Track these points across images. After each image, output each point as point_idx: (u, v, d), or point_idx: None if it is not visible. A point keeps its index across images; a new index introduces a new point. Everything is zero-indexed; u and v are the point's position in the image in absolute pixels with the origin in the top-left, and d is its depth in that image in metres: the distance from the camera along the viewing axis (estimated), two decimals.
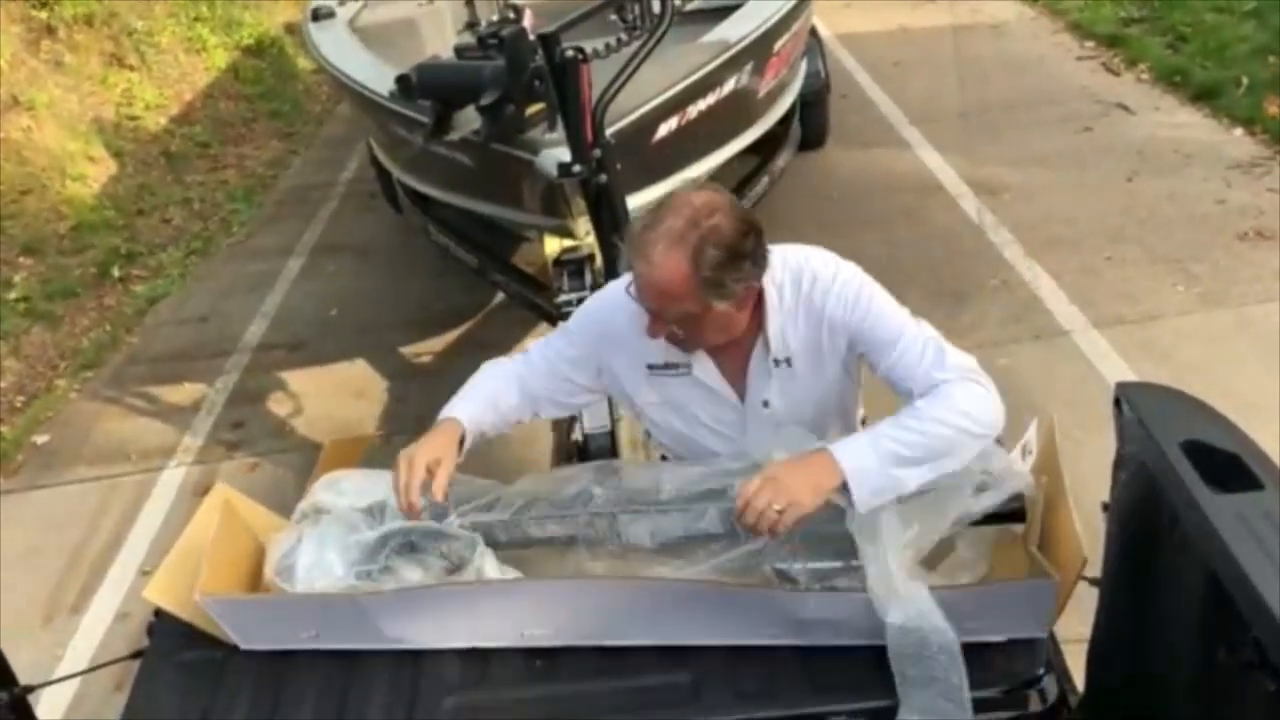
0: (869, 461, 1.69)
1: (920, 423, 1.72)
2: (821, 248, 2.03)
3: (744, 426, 2.03)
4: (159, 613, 1.87)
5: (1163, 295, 4.97)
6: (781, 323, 1.94)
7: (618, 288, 2.01)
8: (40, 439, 5.37)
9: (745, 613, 1.65)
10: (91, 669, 3.06)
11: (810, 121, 6.69)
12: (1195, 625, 1.27)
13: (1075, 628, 1.65)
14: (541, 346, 2.14)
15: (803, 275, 1.93)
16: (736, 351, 1.99)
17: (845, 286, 1.91)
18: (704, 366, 2.01)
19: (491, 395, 2.07)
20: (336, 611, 1.75)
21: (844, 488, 1.67)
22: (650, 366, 2.03)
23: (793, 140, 6.11)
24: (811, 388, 2.00)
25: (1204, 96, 7.04)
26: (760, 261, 1.85)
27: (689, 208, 1.79)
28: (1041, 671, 1.55)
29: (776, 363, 1.97)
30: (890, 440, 1.70)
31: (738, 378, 2.02)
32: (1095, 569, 1.56)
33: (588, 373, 2.09)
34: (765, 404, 2.00)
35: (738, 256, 1.79)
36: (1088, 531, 1.55)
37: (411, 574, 1.78)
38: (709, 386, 2.02)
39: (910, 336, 1.85)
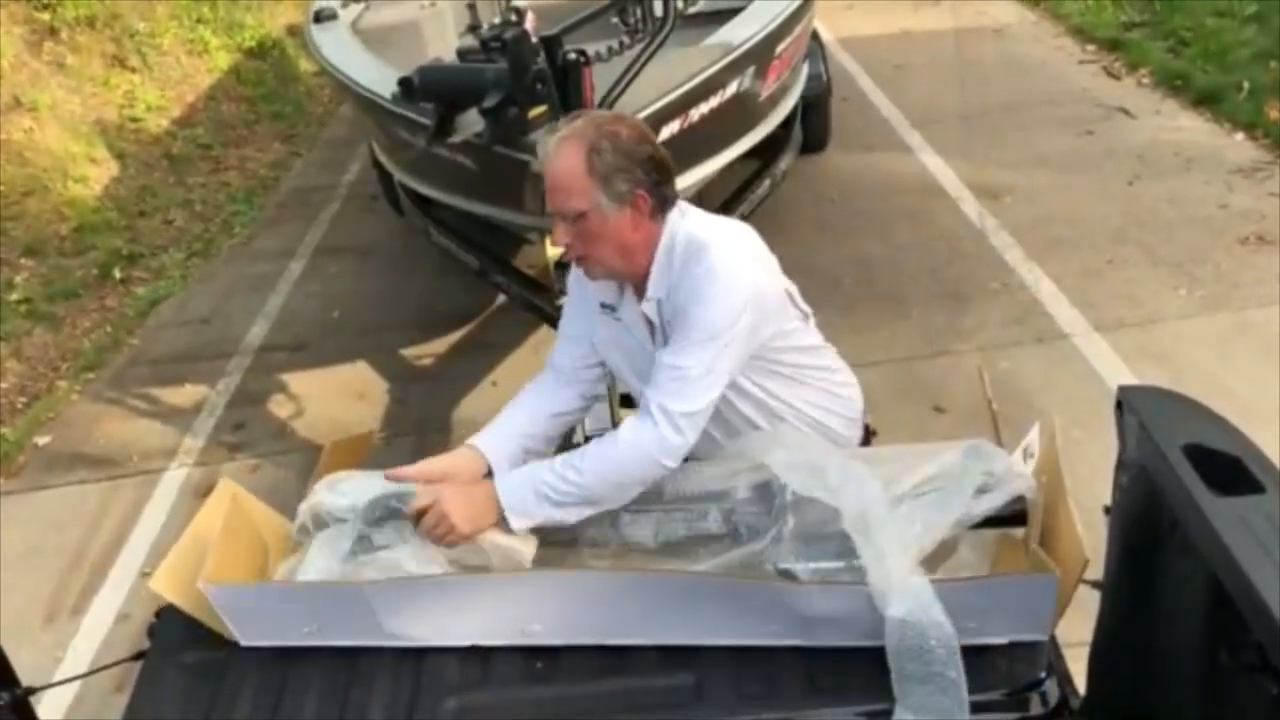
0: (527, 503, 1.86)
1: (580, 475, 1.85)
2: (750, 234, 2.11)
3: None
4: (160, 614, 1.88)
5: (1164, 298, 4.97)
6: (658, 277, 2.00)
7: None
8: (41, 440, 5.37)
9: (746, 608, 1.65)
10: (93, 671, 3.06)
11: (812, 125, 6.69)
12: (1197, 628, 1.27)
13: (1077, 631, 1.65)
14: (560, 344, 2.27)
15: (692, 243, 1.96)
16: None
17: (707, 260, 1.92)
18: (627, 306, 2.10)
19: (512, 410, 2.18)
20: (337, 602, 1.76)
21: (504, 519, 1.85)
22: (601, 305, 2.15)
23: (794, 143, 6.12)
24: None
25: (1205, 101, 7.05)
26: (654, 178, 1.94)
27: (596, 115, 2.00)
28: (1043, 674, 1.56)
29: (650, 321, 2.04)
30: (548, 486, 1.85)
31: (643, 325, 2.09)
32: (1096, 572, 1.56)
33: (584, 321, 2.20)
34: None
35: (630, 160, 1.90)
36: (1088, 534, 1.56)
37: (390, 537, 1.84)
38: (627, 327, 2.11)
39: (688, 354, 1.90)
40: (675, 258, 1.97)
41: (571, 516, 1.87)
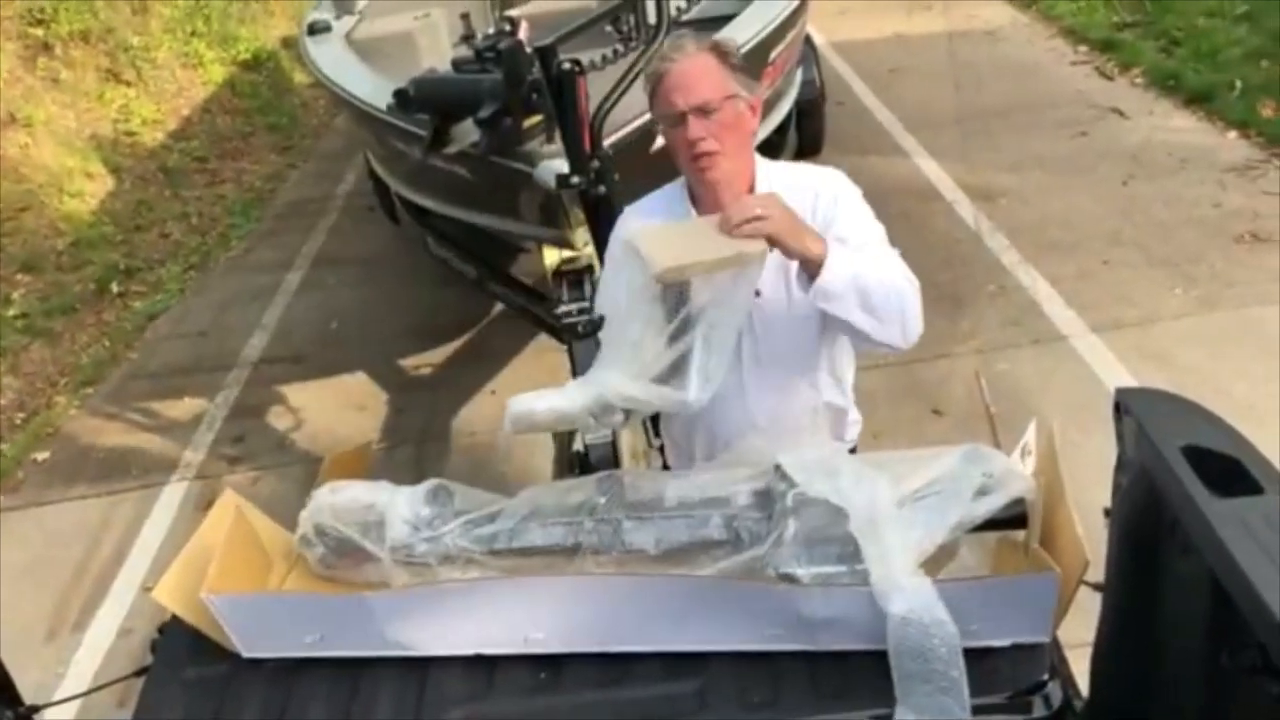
0: (846, 269, 1.93)
1: (884, 282, 2.00)
2: None
3: None
4: (163, 629, 1.88)
5: (1160, 298, 4.98)
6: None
7: (619, 229, 2.30)
8: (40, 456, 5.38)
9: (749, 612, 1.65)
10: (96, 688, 3.05)
11: (806, 129, 6.70)
12: (1198, 629, 1.28)
13: (1078, 632, 1.65)
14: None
15: (798, 174, 2.22)
16: None
17: (833, 182, 2.21)
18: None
19: None
20: (341, 612, 1.75)
21: (813, 270, 1.91)
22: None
23: (789, 148, 6.13)
24: (800, 289, 2.08)
25: (1198, 100, 7.08)
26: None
27: (707, 37, 2.18)
28: (1046, 677, 1.55)
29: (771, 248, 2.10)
30: (867, 270, 1.97)
31: None
32: (1096, 573, 1.57)
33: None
34: (757, 292, 2.06)
35: (743, 59, 2.15)
36: (1088, 535, 1.56)
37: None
38: None
39: (881, 239, 2.15)
40: (775, 178, 2.16)
41: (853, 306, 1.97)
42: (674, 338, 1.88)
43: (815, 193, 2.15)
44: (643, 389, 1.85)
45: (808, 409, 2.32)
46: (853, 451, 2.45)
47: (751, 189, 2.16)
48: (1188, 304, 4.91)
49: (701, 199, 2.19)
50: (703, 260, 1.82)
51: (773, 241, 1.86)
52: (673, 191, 2.30)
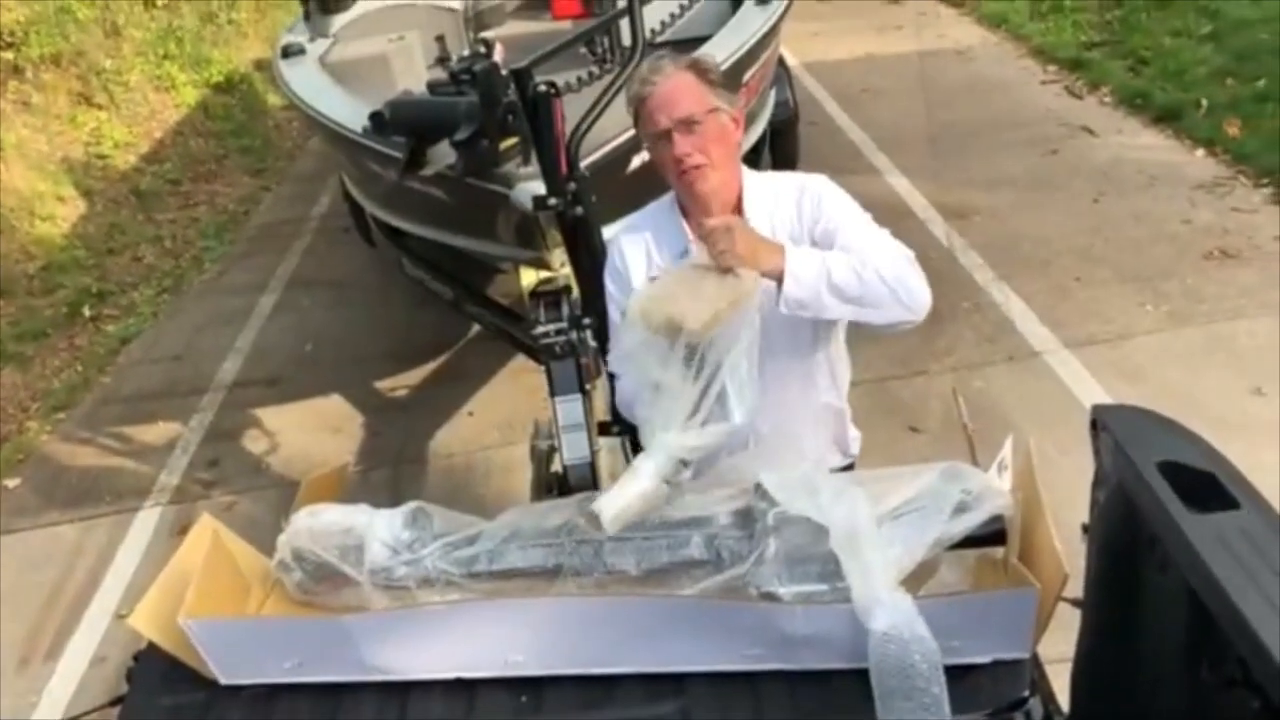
0: (810, 272, 1.96)
1: (863, 267, 1.99)
2: None
3: None
4: (138, 657, 1.85)
5: (1132, 314, 5.03)
6: (760, 211, 2.20)
7: (609, 247, 2.40)
8: (12, 482, 5.32)
9: (730, 631, 1.65)
10: (70, 719, 3.02)
11: (780, 150, 6.74)
12: (1178, 644, 1.29)
13: (1058, 647, 1.66)
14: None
15: (781, 180, 2.27)
16: None
17: (815, 182, 2.26)
18: (700, 259, 2.14)
19: None
20: (320, 636, 1.74)
21: (778, 280, 1.95)
22: (651, 280, 2.19)
23: (764, 168, 6.14)
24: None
25: (1165, 118, 7.18)
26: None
27: (685, 56, 2.23)
28: (1026, 693, 1.56)
29: None
30: (835, 267, 1.98)
31: None
32: (1075, 589, 1.57)
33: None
34: None
35: (727, 81, 2.22)
36: (1066, 551, 1.57)
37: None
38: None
39: (866, 225, 2.19)
40: (765, 192, 2.23)
41: (834, 309, 2.01)
42: (701, 378, 1.90)
43: (801, 190, 2.22)
44: (698, 435, 1.87)
45: (809, 413, 2.36)
46: (850, 468, 2.50)
47: (740, 199, 2.21)
48: (1159, 319, 4.97)
49: (692, 212, 2.22)
50: (722, 306, 1.87)
51: (738, 260, 1.90)
52: (662, 207, 2.33)
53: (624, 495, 1.80)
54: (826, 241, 2.15)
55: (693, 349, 1.88)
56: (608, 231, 3.47)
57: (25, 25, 8.73)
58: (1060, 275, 5.49)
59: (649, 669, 1.68)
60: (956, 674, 1.52)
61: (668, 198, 2.31)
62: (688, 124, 2.10)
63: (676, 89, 2.12)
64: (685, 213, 2.25)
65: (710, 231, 1.91)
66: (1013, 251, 5.79)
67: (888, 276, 2.01)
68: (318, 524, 1.90)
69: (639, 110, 2.17)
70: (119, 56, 9.75)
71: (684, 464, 1.87)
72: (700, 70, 2.15)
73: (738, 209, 2.21)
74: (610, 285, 2.35)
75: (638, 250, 2.30)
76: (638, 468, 1.83)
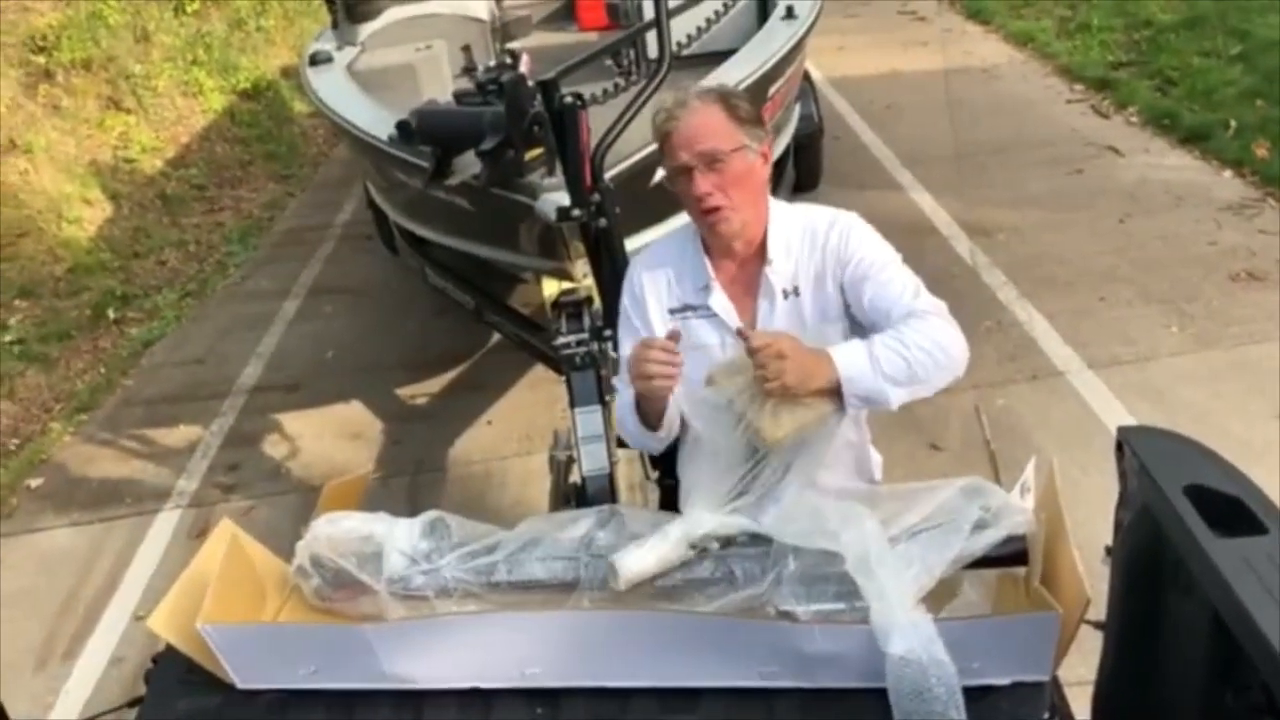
0: (863, 368, 1.91)
1: (903, 346, 1.93)
2: None
3: None
4: (157, 659, 1.86)
5: (1157, 336, 4.99)
6: (785, 251, 2.16)
7: (629, 271, 2.32)
8: (34, 482, 5.35)
9: (747, 649, 1.64)
10: (88, 719, 3.03)
11: (804, 164, 6.74)
12: (1202, 669, 1.27)
13: (1077, 669, 1.65)
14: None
15: (807, 216, 2.20)
16: (745, 290, 2.19)
17: (845, 218, 2.19)
18: (718, 298, 2.18)
19: None
20: (337, 643, 1.74)
21: (836, 390, 1.90)
22: (670, 311, 2.22)
23: (786, 183, 6.16)
24: (817, 330, 2.13)
25: (1193, 139, 7.13)
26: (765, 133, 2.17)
27: (711, 84, 2.21)
28: (1046, 715, 1.54)
29: (785, 294, 2.15)
30: (881, 356, 1.92)
31: (746, 315, 2.18)
32: (1097, 611, 1.56)
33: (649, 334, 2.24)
34: None
35: (756, 113, 2.14)
36: (1088, 573, 1.55)
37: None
38: (722, 322, 2.18)
39: (896, 270, 2.10)
40: (790, 233, 2.17)
41: (893, 397, 1.94)
42: (760, 468, 1.90)
43: (830, 225, 2.17)
44: (732, 521, 1.85)
45: (830, 453, 2.31)
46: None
47: (764, 238, 2.16)
48: (1184, 341, 4.93)
49: (714, 249, 2.20)
50: (804, 424, 1.88)
51: (786, 389, 1.86)
52: (683, 238, 2.28)
53: (646, 560, 1.79)
54: (854, 289, 2.12)
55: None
56: (630, 244, 3.49)
57: (57, 30, 8.83)
58: (1084, 295, 5.45)
59: (664, 684, 1.67)
60: (975, 694, 1.51)
61: (688, 229, 2.27)
62: (710, 161, 2.05)
63: (702, 124, 2.06)
64: (707, 248, 2.22)
65: (759, 355, 1.84)
66: (1036, 270, 5.76)
67: (928, 346, 1.96)
68: (336, 531, 1.91)
69: (663, 144, 2.12)
70: (148, 62, 9.84)
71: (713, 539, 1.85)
72: (730, 104, 2.09)
73: (761, 248, 2.17)
74: (627, 305, 2.31)
75: (658, 282, 2.26)
76: (668, 533, 1.82)
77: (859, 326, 2.19)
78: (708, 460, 1.96)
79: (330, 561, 1.87)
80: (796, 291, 2.16)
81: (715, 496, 1.89)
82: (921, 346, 1.94)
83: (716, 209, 2.08)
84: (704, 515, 1.86)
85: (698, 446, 2.08)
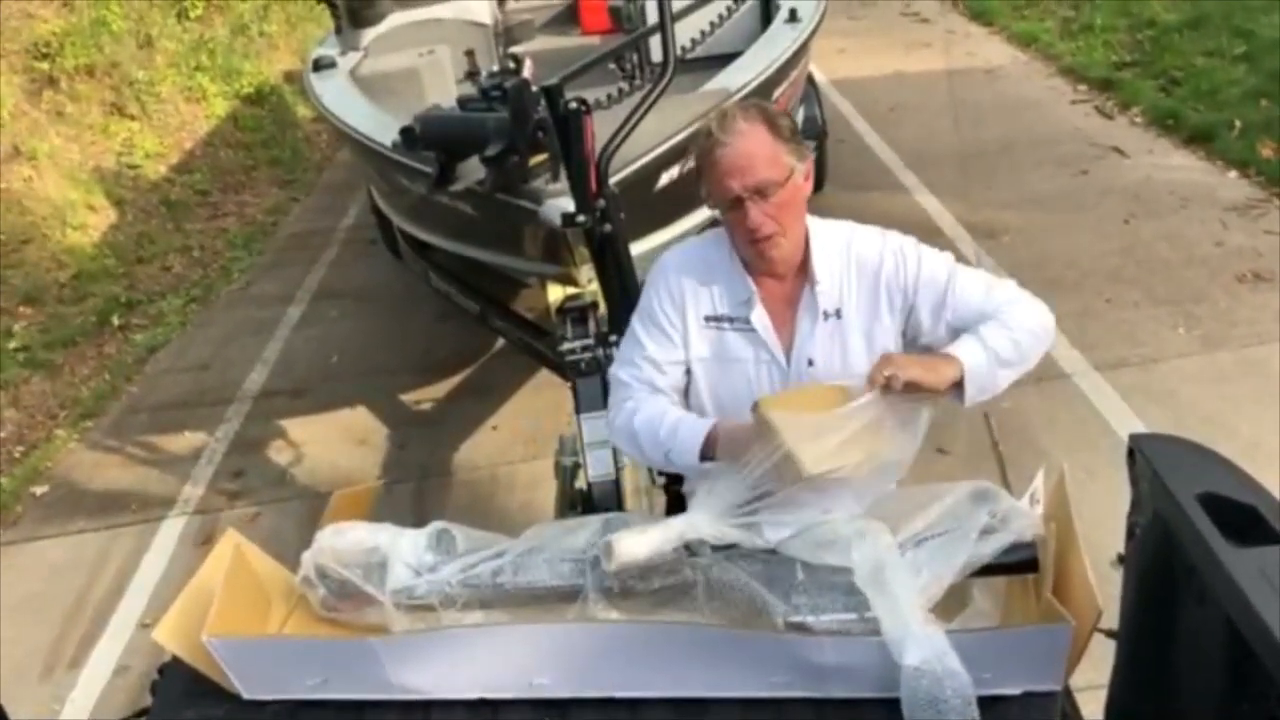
0: (980, 359, 1.97)
1: (1012, 331, 2.01)
2: None
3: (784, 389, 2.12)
4: (163, 669, 1.85)
5: (1163, 337, 4.98)
6: (829, 271, 2.10)
7: (660, 272, 2.21)
8: (39, 489, 5.35)
9: (757, 660, 1.64)
10: None
11: None
12: (1216, 678, 1.26)
13: (1087, 674, 1.64)
14: (627, 368, 2.22)
15: (851, 237, 2.14)
16: (785, 306, 2.14)
17: (894, 242, 2.13)
18: (759, 314, 2.13)
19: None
20: (344, 655, 1.74)
21: (958, 386, 1.95)
22: (706, 318, 2.16)
23: None
24: (860, 350, 2.11)
25: (1198, 139, 7.11)
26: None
27: (745, 102, 2.20)
28: None
29: (826, 315, 2.11)
30: (995, 344, 1.98)
31: (785, 333, 2.14)
32: (1109, 620, 1.55)
33: (674, 342, 2.19)
34: (810, 362, 2.11)
35: (791, 121, 2.09)
36: (1098, 579, 1.54)
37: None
38: (760, 338, 2.13)
39: (963, 276, 2.10)
40: (832, 254, 2.12)
41: (1004, 380, 2.03)
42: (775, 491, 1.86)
43: (880, 250, 2.11)
44: (734, 531, 1.83)
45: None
46: None
47: (806, 256, 2.11)
48: (1191, 343, 4.91)
49: (756, 268, 2.13)
50: (846, 465, 1.83)
51: (916, 386, 1.88)
52: (716, 244, 2.20)
53: (640, 545, 1.77)
54: (932, 314, 2.11)
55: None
56: (635, 249, 3.48)
57: (61, 36, 8.84)
58: (1090, 297, 5.44)
59: (674, 694, 1.66)
60: (986, 704, 1.50)
61: (721, 238, 2.18)
62: (763, 193, 1.99)
63: (750, 150, 1.99)
64: (746, 264, 2.15)
65: (882, 367, 1.84)
66: (1042, 272, 5.73)
67: (1031, 326, 2.05)
68: (342, 542, 1.90)
69: (708, 169, 2.04)
70: (152, 68, 9.84)
71: (709, 546, 1.82)
72: (774, 123, 2.03)
73: (804, 266, 2.12)
74: (659, 304, 2.19)
75: (697, 288, 2.16)
76: (670, 524, 1.80)
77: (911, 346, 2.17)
78: (725, 470, 1.94)
79: (335, 572, 1.86)
80: (839, 314, 2.11)
81: (725, 505, 1.87)
82: (1025, 328, 2.03)
83: (769, 237, 2.04)
84: (710, 519, 1.85)
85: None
